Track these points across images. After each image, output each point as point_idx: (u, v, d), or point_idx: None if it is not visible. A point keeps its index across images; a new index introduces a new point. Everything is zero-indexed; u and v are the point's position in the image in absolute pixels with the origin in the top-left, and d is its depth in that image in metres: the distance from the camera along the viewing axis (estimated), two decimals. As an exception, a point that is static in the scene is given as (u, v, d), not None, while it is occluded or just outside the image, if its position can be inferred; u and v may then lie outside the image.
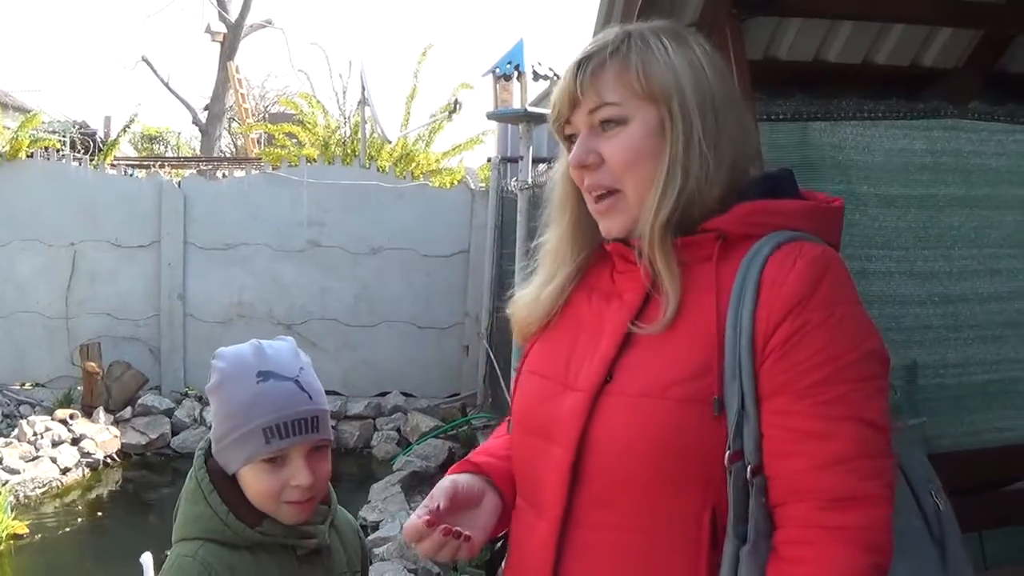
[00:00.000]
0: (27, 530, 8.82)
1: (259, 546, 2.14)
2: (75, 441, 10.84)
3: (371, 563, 2.51)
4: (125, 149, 22.41)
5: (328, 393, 2.35)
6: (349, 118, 16.72)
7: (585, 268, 2.07)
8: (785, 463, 1.69)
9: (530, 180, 8.57)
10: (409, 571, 7.18)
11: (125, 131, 16.17)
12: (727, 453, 1.71)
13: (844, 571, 1.62)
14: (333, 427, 2.15)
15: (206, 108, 31.90)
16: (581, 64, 1.90)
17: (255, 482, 2.13)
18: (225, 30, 30.49)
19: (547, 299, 2.07)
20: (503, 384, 9.72)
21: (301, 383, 2.17)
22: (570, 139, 1.98)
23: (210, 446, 2.24)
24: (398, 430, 11.96)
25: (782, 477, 1.70)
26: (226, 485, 2.16)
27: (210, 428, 2.13)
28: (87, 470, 10.70)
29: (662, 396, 1.76)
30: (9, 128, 13.60)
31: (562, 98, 1.95)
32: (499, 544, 2.21)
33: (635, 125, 1.86)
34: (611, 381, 1.84)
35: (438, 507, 1.93)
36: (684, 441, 1.74)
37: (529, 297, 2.13)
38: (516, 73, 13.80)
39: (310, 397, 2.17)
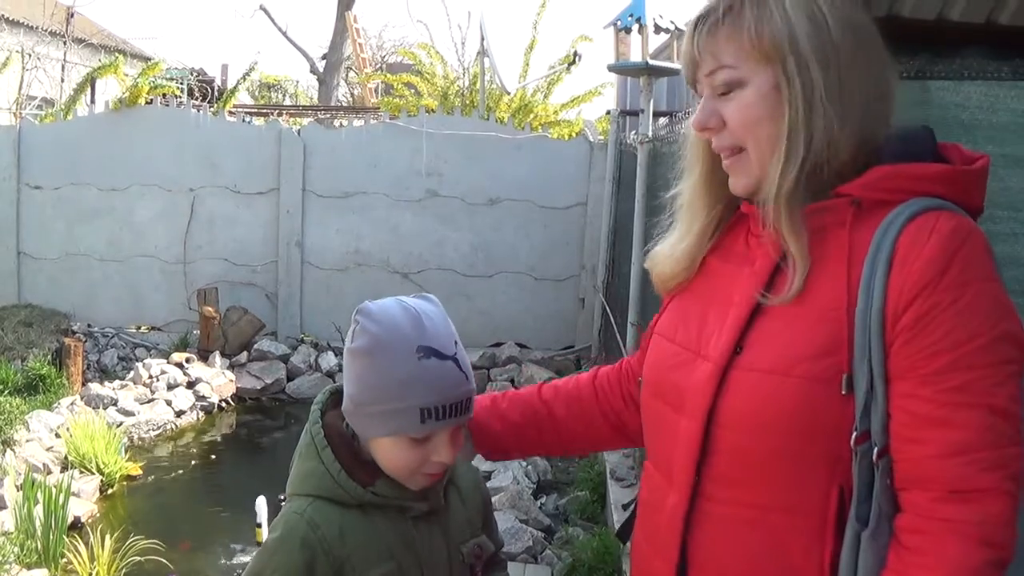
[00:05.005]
0: (140, 471, 8.93)
1: (371, 506, 2.06)
2: (190, 384, 10.97)
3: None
4: (242, 97, 22.63)
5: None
6: (468, 69, 16.75)
7: (723, 230, 2.05)
8: (909, 448, 1.67)
9: (650, 134, 8.43)
10: (521, 521, 7.15)
11: (244, 79, 16.25)
12: (854, 434, 1.70)
13: (959, 567, 1.61)
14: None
15: (323, 57, 32.17)
16: (697, 25, 1.89)
17: (395, 453, 2.05)
18: (344, -21, 30.56)
19: (682, 255, 2.07)
20: (618, 338, 9.63)
21: (459, 362, 2.05)
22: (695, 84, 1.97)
23: (328, 400, 2.17)
24: (512, 381, 11.87)
25: (905, 462, 1.68)
26: (340, 442, 2.09)
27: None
28: (201, 413, 10.81)
29: (789, 374, 1.75)
30: (129, 75, 13.71)
31: (685, 61, 1.95)
32: (632, 508, 2.25)
33: (751, 87, 1.83)
34: (740, 353, 1.84)
35: None
36: (811, 420, 1.73)
37: (666, 252, 2.13)
38: (637, 26, 13.69)
39: (467, 377, 2.07)
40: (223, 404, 11.16)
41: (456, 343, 2.08)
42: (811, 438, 1.73)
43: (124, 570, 6.52)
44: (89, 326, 12.64)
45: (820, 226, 1.81)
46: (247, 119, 13.63)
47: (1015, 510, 1.62)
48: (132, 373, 11.01)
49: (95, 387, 10.36)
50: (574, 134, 14.11)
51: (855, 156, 1.80)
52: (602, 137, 13.01)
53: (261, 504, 7.03)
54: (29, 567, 6.39)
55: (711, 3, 1.89)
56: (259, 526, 6.96)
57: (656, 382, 2.05)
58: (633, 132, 10.15)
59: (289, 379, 11.82)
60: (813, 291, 1.78)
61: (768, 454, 1.78)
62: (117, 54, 14.77)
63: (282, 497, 2.15)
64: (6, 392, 9.81)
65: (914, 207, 1.72)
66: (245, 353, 11.97)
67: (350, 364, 2.08)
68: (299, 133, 12.90)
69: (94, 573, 6.42)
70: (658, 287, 2.17)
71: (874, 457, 1.68)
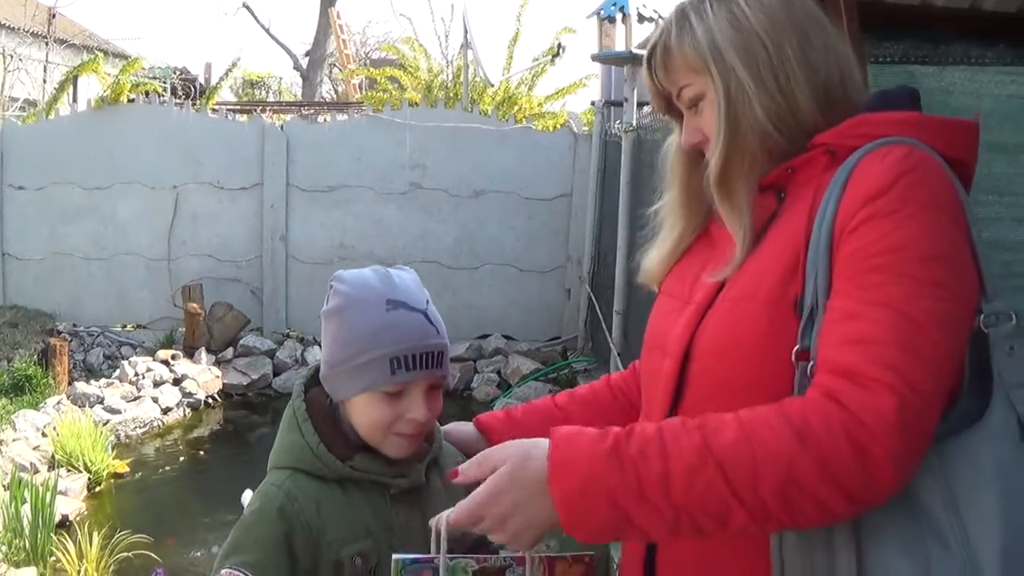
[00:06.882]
0: (128, 469, 8.91)
1: (350, 481, 2.06)
2: (176, 381, 10.94)
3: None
4: (225, 95, 22.58)
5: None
6: (451, 62, 16.80)
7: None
8: (820, 344, 1.64)
9: (635, 123, 8.44)
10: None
11: (227, 76, 16.19)
12: (795, 349, 1.69)
13: (829, 427, 1.51)
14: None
15: (307, 54, 32.06)
16: (648, 60, 2.01)
17: (369, 410, 2.04)
18: (327, -25, 30.48)
19: (662, 259, 2.16)
20: (604, 328, 9.63)
21: (429, 316, 2.07)
22: (669, 112, 2.09)
23: (312, 376, 2.18)
24: (499, 372, 11.95)
25: (817, 358, 1.64)
26: (321, 416, 2.09)
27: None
28: (188, 410, 10.80)
29: (753, 298, 1.78)
30: (110, 74, 13.67)
31: (652, 95, 2.08)
32: None
33: (709, 96, 1.91)
34: (721, 291, 1.87)
35: None
36: (772, 343, 1.73)
37: (652, 258, 2.19)
38: (620, 15, 13.68)
39: (437, 331, 2.08)
40: (209, 400, 11.15)
41: (428, 302, 2.10)
42: (773, 363, 1.72)
43: (112, 567, 6.50)
44: (74, 325, 12.58)
45: (802, 180, 1.85)
46: (230, 116, 13.58)
47: (911, 421, 1.49)
48: (118, 371, 10.99)
49: (81, 386, 10.34)
50: (558, 125, 14.12)
51: (826, 118, 1.84)
52: (586, 128, 13.01)
53: (247, 498, 7.01)
54: (18, 566, 6.37)
55: (654, 34, 1.99)
56: (246, 520, 6.94)
57: (649, 333, 2.10)
58: (618, 122, 10.16)
59: (275, 374, 11.81)
60: (783, 227, 1.82)
61: (733, 380, 1.78)
62: (98, 53, 14.69)
63: None
64: (-8, 393, 9.78)
65: (875, 143, 1.74)
66: (231, 349, 11.96)
67: (325, 327, 2.12)
68: (282, 128, 12.87)
69: (83, 570, 6.40)
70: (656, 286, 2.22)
71: (808, 371, 1.65)
